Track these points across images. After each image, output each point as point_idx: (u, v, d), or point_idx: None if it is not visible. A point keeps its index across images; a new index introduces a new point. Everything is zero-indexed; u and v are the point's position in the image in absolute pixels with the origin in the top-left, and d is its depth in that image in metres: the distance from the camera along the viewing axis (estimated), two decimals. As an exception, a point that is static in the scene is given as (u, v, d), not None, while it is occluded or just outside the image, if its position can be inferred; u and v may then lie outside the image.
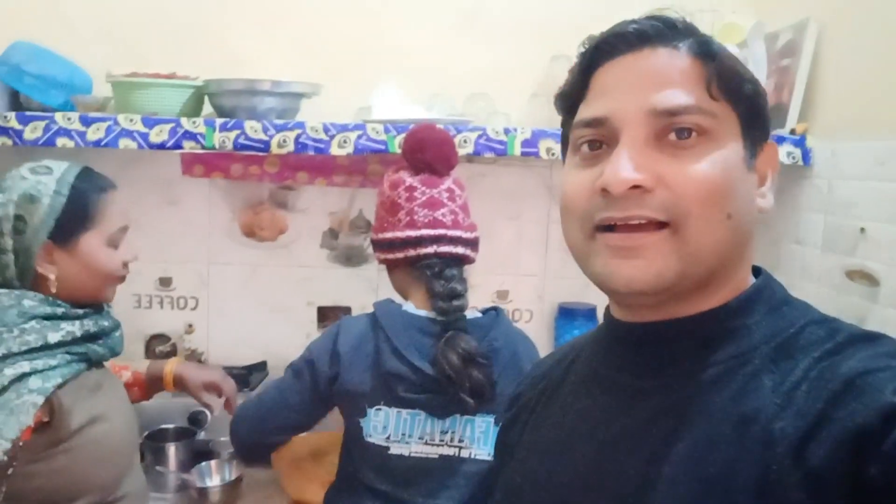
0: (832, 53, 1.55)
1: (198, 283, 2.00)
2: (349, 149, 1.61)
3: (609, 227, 0.61)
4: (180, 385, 1.43)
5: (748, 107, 0.62)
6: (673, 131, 0.59)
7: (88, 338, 1.17)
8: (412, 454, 1.25)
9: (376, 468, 1.26)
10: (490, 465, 0.84)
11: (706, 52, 0.61)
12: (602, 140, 0.62)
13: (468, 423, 1.26)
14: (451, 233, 1.30)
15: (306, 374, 1.28)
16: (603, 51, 0.63)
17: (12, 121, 1.51)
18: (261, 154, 1.73)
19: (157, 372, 1.44)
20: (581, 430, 0.66)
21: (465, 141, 1.62)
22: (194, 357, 1.98)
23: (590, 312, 1.96)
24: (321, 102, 1.78)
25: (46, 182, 1.14)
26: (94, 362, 1.20)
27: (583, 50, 0.65)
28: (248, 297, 2.00)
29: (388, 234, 1.32)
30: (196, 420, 1.67)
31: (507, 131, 1.62)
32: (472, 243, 1.35)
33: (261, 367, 1.90)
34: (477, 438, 1.27)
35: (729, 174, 0.59)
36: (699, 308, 0.62)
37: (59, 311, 1.13)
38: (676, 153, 0.59)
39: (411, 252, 1.29)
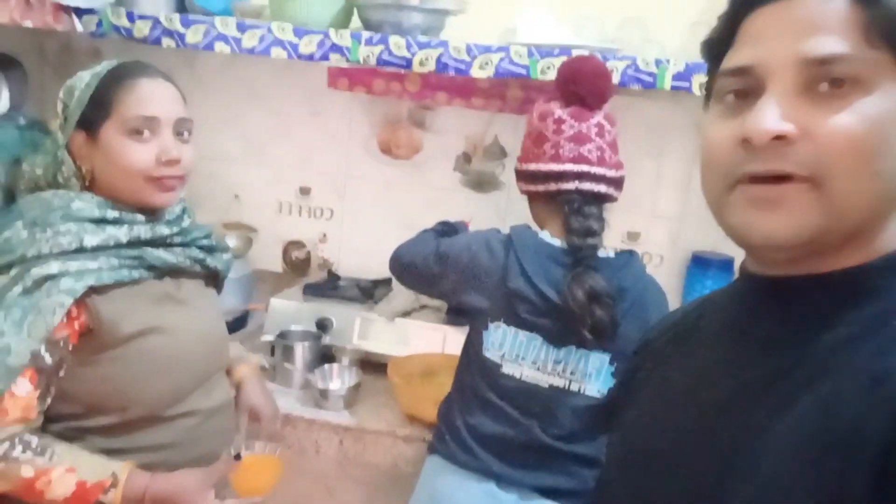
0: None
1: (334, 194, 2.07)
2: (490, 71, 1.58)
3: (751, 180, 0.58)
4: (237, 396, 1.32)
5: None
6: (825, 81, 0.55)
7: (144, 243, 1.12)
8: (523, 377, 1.27)
9: (489, 383, 1.28)
10: (608, 398, 0.83)
11: None
12: (749, 90, 0.59)
13: (583, 357, 1.25)
14: (594, 170, 1.27)
15: (446, 259, 1.33)
16: None
17: (176, 23, 1.59)
18: (402, 71, 1.73)
19: (230, 370, 1.35)
20: (709, 376, 0.65)
21: (611, 70, 1.53)
22: (325, 266, 2.07)
23: (726, 264, 1.85)
24: (467, 21, 1.74)
25: (83, 75, 1.12)
26: (164, 271, 1.15)
27: None
28: (379, 212, 2.05)
29: (532, 166, 1.30)
30: (323, 325, 1.76)
31: (657, 63, 1.51)
32: (617, 182, 1.30)
33: (386, 282, 1.95)
34: (589, 374, 1.26)
35: (881, 129, 0.55)
36: (841, 264, 0.59)
37: (112, 214, 1.08)
38: (827, 104, 0.55)
39: (552, 186, 1.28)
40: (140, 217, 1.12)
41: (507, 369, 1.27)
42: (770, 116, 0.55)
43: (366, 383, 1.66)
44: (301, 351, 1.69)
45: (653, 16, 1.74)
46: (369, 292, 1.88)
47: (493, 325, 1.27)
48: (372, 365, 1.73)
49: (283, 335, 1.74)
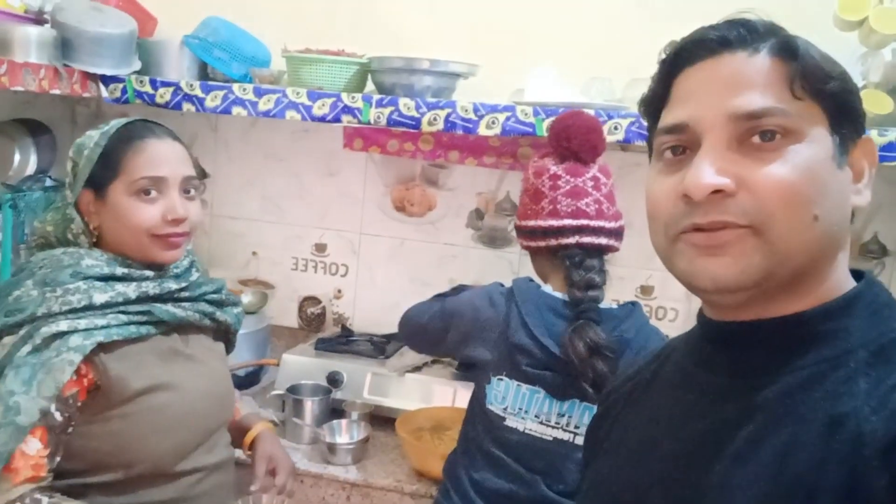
0: None
1: (349, 251, 2.11)
2: (497, 129, 1.62)
3: (694, 229, 0.61)
4: (253, 447, 1.33)
5: (836, 103, 0.60)
6: (756, 134, 0.58)
7: (152, 299, 1.12)
8: (527, 430, 1.26)
9: (493, 437, 1.28)
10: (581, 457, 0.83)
11: (788, 51, 0.60)
12: (685, 146, 0.62)
13: (587, 410, 1.24)
14: (593, 223, 1.28)
15: (451, 314, 1.36)
16: (683, 57, 0.63)
17: (196, 89, 1.68)
18: (416, 131, 1.79)
19: (247, 425, 1.36)
20: (666, 428, 0.66)
21: (615, 127, 1.57)
22: (340, 321, 2.09)
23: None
24: (478, 84, 1.80)
25: (93, 134, 1.14)
26: (172, 326, 1.16)
27: (663, 56, 0.65)
28: (393, 268, 2.08)
29: (531, 223, 1.32)
30: (333, 380, 1.77)
31: (662, 119, 1.54)
32: (616, 233, 1.32)
33: (394, 338, 1.96)
34: None
35: (815, 174, 0.58)
36: (790, 309, 0.60)
37: (120, 271, 1.10)
38: (760, 156, 0.58)
39: (553, 241, 1.30)
40: (148, 273, 1.14)
41: (511, 422, 1.26)
42: (706, 172, 0.58)
43: (375, 438, 1.66)
44: (310, 405, 1.70)
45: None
46: (381, 348, 1.89)
47: (495, 378, 1.27)
48: (382, 420, 1.72)
49: (293, 389, 1.75)
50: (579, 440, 1.24)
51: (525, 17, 1.87)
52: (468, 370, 1.49)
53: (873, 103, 1.44)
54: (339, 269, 2.13)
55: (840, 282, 0.62)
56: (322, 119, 1.67)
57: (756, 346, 0.61)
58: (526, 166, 1.91)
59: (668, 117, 0.63)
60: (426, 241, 2.05)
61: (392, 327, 2.02)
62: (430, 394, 1.74)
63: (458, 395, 1.71)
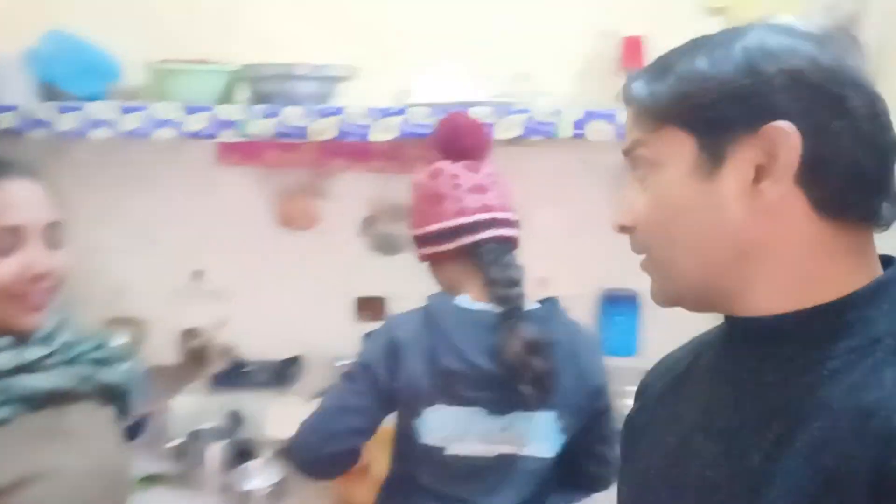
0: None
1: (232, 275, 1.94)
2: (393, 133, 1.55)
3: None
4: None
5: (696, 118, 0.59)
6: (636, 170, 0.64)
7: (11, 372, 0.93)
8: (470, 454, 1.20)
9: (431, 469, 1.21)
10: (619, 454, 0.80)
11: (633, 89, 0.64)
12: None
13: (528, 420, 1.21)
14: (502, 215, 1.25)
15: (362, 378, 1.22)
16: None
17: (47, 112, 1.46)
18: (296, 141, 1.67)
19: None
20: (702, 423, 0.65)
21: (510, 124, 1.55)
22: (227, 352, 1.92)
23: (632, 299, 1.90)
24: (357, 86, 1.71)
25: None
26: (43, 399, 0.96)
27: None
28: (283, 288, 1.94)
29: (434, 227, 1.26)
30: (235, 418, 1.62)
31: (554, 113, 1.54)
32: (518, 224, 1.30)
33: (295, 360, 1.85)
34: (536, 435, 1.22)
35: (666, 199, 0.61)
36: (774, 308, 0.60)
37: None
38: (640, 189, 0.64)
39: (466, 240, 1.24)
40: (3, 341, 0.93)
41: (453, 450, 1.19)
42: (617, 210, 0.65)
43: (293, 476, 1.53)
44: (214, 451, 1.55)
45: (540, 69, 1.78)
46: (282, 374, 1.77)
47: (428, 410, 1.19)
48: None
49: (191, 437, 1.58)
50: (524, 451, 1.21)
51: (403, 15, 1.81)
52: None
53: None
54: (221, 296, 1.96)
55: (861, 272, 0.60)
56: (198, 135, 1.51)
57: (783, 340, 0.60)
58: (416, 167, 1.88)
59: None
60: (318, 254, 1.93)
61: (288, 350, 1.90)
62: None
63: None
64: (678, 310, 0.67)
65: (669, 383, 0.74)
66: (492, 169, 1.29)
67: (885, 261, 0.62)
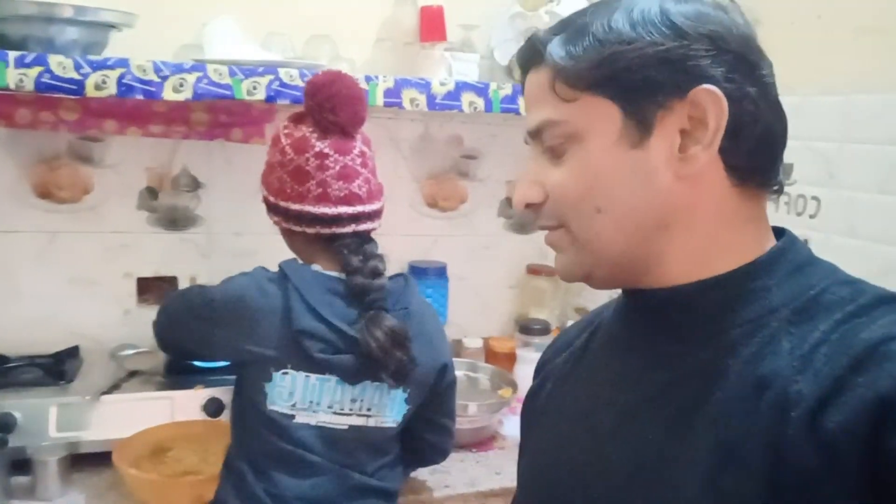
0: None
1: (-26, 258, 1.61)
2: (187, 93, 1.38)
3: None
4: None
5: (619, 84, 0.57)
6: (549, 144, 0.62)
7: None
8: (319, 423, 1.15)
9: (280, 437, 1.14)
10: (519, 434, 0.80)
11: (541, 59, 0.61)
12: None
13: (377, 390, 1.18)
14: (367, 208, 1.19)
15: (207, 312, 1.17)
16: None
17: None
18: (55, 97, 1.42)
19: None
20: (603, 397, 0.64)
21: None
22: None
23: (440, 271, 1.92)
24: (134, 37, 1.50)
25: None
26: None
27: None
28: (44, 270, 1.66)
29: (296, 206, 1.16)
30: (4, 426, 1.35)
31: (368, 79, 1.50)
32: (381, 212, 1.25)
33: (73, 352, 1.60)
34: (385, 405, 1.20)
35: (590, 170, 0.59)
36: (681, 277, 0.60)
37: None
38: (554, 162, 0.62)
39: (325, 230, 1.17)
40: None
41: (301, 419, 1.14)
42: (520, 188, 0.64)
43: (84, 485, 1.34)
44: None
45: (338, 32, 1.72)
46: (55, 370, 1.51)
47: (277, 374, 1.12)
48: (89, 459, 1.39)
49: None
50: (373, 422, 1.19)
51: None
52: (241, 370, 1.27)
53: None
54: (-39, 284, 1.62)
55: (759, 241, 0.60)
56: (-67, 85, 1.21)
57: (683, 311, 0.60)
58: (205, 134, 1.71)
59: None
60: (86, 231, 1.68)
61: (59, 342, 1.64)
62: (142, 413, 1.45)
63: (176, 408, 1.48)
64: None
65: (567, 358, 0.74)
66: (364, 145, 1.21)
67: (777, 232, 0.63)
